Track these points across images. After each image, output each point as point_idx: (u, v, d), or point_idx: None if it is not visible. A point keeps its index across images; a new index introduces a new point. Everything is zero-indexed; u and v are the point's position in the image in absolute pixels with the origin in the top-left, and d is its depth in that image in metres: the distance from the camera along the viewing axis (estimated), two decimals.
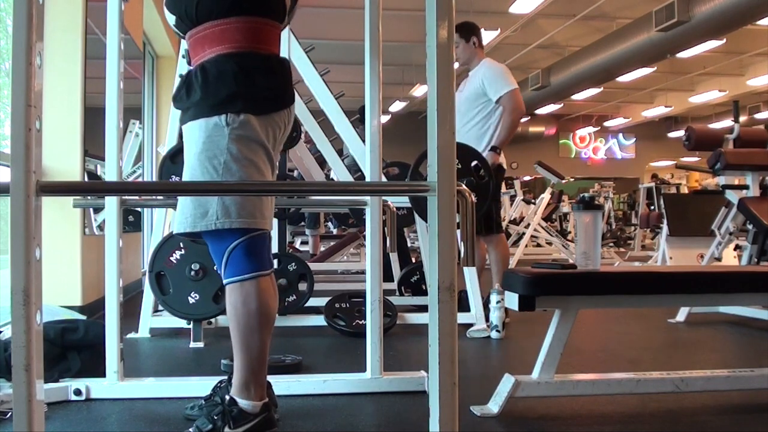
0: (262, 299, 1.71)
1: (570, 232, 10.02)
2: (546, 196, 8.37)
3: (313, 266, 4.37)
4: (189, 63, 1.79)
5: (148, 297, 3.22)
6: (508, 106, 3.69)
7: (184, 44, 1.83)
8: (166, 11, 1.79)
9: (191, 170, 1.71)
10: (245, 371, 1.72)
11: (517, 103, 3.71)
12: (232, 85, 1.67)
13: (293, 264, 3.53)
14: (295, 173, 5.00)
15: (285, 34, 3.25)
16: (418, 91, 14.33)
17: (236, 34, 1.69)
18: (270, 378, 1.94)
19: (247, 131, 1.69)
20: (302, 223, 6.75)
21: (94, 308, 3.56)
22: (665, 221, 5.55)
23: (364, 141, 2.42)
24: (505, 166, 3.85)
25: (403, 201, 3.38)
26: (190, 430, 1.72)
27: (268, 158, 1.75)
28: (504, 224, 8.78)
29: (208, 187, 1.65)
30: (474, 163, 3.33)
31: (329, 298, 3.49)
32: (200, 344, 3.05)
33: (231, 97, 1.67)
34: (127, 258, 3.57)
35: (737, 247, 4.38)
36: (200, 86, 1.68)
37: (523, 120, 18.24)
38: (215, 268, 1.80)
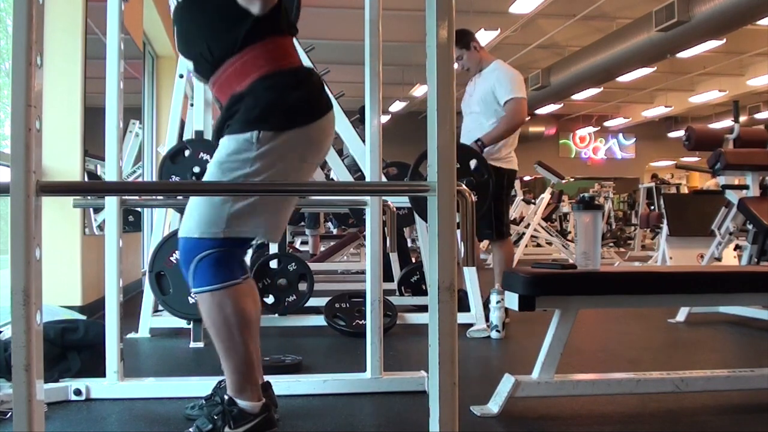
0: (236, 302, 1.67)
1: (570, 232, 10.02)
2: (546, 196, 8.37)
3: (313, 266, 4.37)
4: (220, 107, 1.77)
5: (148, 297, 3.22)
6: (510, 112, 3.67)
7: (182, 63, 1.84)
8: (181, 57, 1.79)
9: (212, 176, 1.69)
10: (234, 375, 1.72)
11: (520, 111, 3.68)
12: (263, 102, 1.66)
13: (293, 264, 3.53)
14: None
15: None
16: (418, 91, 14.33)
17: (258, 61, 1.68)
18: (270, 378, 1.95)
19: (277, 147, 1.66)
20: (302, 223, 6.75)
21: (94, 308, 3.55)
22: (665, 221, 5.55)
23: (364, 141, 2.42)
24: (517, 168, 3.84)
25: (403, 201, 3.38)
26: (190, 430, 1.72)
27: (298, 174, 1.73)
28: None
29: (209, 187, 1.65)
30: (473, 162, 3.33)
31: (329, 298, 3.49)
32: (200, 344, 3.05)
33: (264, 114, 1.65)
34: (127, 258, 3.57)
35: (737, 247, 4.38)
36: (235, 110, 1.67)
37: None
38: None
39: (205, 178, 1.73)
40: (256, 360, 1.77)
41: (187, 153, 3.05)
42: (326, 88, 1.86)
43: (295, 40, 1.84)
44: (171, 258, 2.98)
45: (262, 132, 1.65)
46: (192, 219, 1.69)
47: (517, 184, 10.10)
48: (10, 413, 1.89)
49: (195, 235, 1.67)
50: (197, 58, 1.74)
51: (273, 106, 1.66)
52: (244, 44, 1.67)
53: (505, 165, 3.74)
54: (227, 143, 1.68)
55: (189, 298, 2.96)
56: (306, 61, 3.22)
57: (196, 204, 1.70)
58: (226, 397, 1.74)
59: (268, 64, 1.68)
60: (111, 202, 2.20)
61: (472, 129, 3.79)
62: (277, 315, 3.50)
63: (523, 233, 8.33)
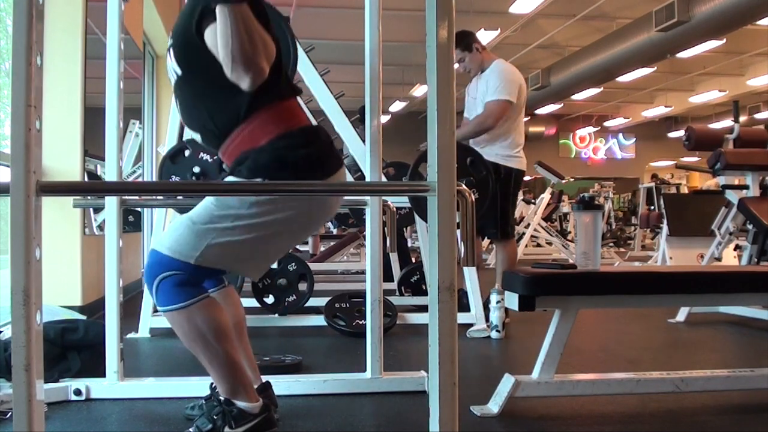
0: (205, 314, 1.64)
1: (570, 232, 10.02)
2: (546, 196, 8.37)
3: (313, 266, 4.37)
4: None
5: (148, 297, 3.22)
6: (487, 111, 3.63)
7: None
8: (189, 130, 1.78)
9: (201, 206, 1.67)
10: (223, 382, 1.71)
11: (492, 114, 3.60)
12: (273, 156, 1.64)
13: (293, 264, 3.53)
14: None
15: None
16: (418, 91, 14.33)
17: (267, 126, 1.66)
18: (270, 378, 1.95)
19: (279, 200, 1.65)
20: None
21: (94, 308, 3.55)
22: (665, 221, 5.55)
23: (364, 141, 2.42)
24: (524, 168, 3.80)
25: (403, 201, 3.38)
26: (190, 430, 1.72)
27: (296, 232, 1.72)
28: None
29: (209, 187, 1.65)
30: (470, 160, 3.32)
31: (329, 298, 3.49)
32: None
33: (273, 165, 1.64)
34: (127, 258, 3.57)
35: (737, 247, 4.38)
36: (244, 159, 1.66)
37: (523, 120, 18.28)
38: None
39: (200, 205, 1.69)
40: (244, 363, 1.78)
41: (187, 153, 3.05)
42: (335, 148, 1.83)
43: (300, 49, 1.82)
44: None
45: (267, 180, 1.63)
46: (170, 236, 1.66)
47: None
48: (10, 413, 1.89)
49: (166, 253, 1.64)
50: (202, 130, 1.72)
51: (282, 160, 1.65)
52: (249, 113, 1.65)
53: (513, 164, 3.70)
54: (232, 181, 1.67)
55: None
56: (306, 61, 3.23)
57: (179, 224, 1.67)
58: (222, 398, 1.74)
59: (278, 127, 1.66)
60: (111, 202, 2.20)
61: None
62: (277, 315, 3.50)
63: (523, 233, 8.33)
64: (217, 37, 1.51)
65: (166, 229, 1.72)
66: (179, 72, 1.70)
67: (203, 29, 1.58)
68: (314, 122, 1.83)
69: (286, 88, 1.74)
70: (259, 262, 1.79)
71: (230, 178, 1.69)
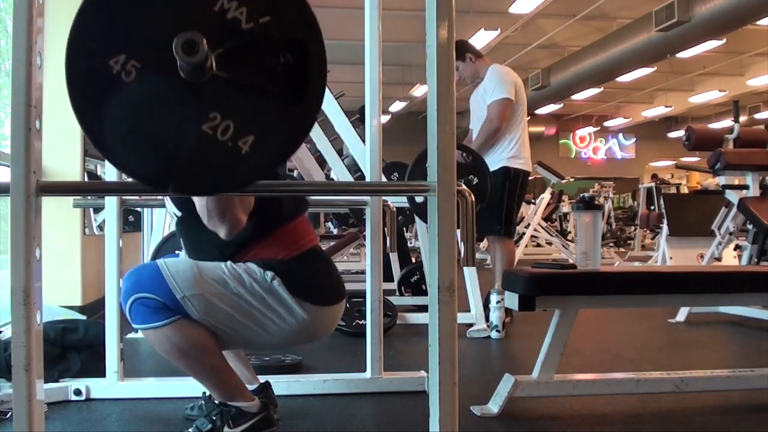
0: (183, 336, 1.61)
1: (570, 232, 10.01)
2: (546, 196, 8.36)
3: None
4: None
5: None
6: (490, 114, 3.64)
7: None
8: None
9: (213, 265, 1.67)
10: (215, 390, 1.72)
11: (499, 113, 3.62)
12: (285, 268, 1.67)
13: None
14: (295, 173, 5.00)
15: None
16: (418, 91, 14.32)
17: (272, 249, 1.70)
18: (270, 378, 1.95)
19: (284, 300, 1.66)
20: None
21: (94, 308, 3.55)
22: (665, 221, 5.55)
23: (364, 141, 2.42)
24: (530, 169, 3.81)
25: (404, 201, 3.38)
26: (190, 430, 1.72)
27: (280, 336, 1.71)
28: None
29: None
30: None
31: None
32: None
33: (286, 271, 1.67)
34: (127, 258, 3.56)
35: (737, 247, 4.37)
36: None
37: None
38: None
39: (212, 264, 1.69)
40: (239, 365, 1.80)
41: None
42: (335, 272, 1.86)
43: None
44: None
45: (277, 279, 1.65)
46: (176, 265, 1.65)
47: None
48: (10, 413, 1.89)
49: (165, 273, 1.62)
50: (215, 256, 1.72)
51: (294, 274, 1.68)
52: (255, 240, 1.68)
53: (518, 165, 3.70)
54: (248, 265, 1.68)
55: None
56: None
57: (191, 264, 1.66)
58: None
59: (282, 252, 1.70)
60: (111, 202, 2.20)
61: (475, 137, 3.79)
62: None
63: (523, 233, 8.32)
64: None
65: (175, 260, 1.72)
66: (179, 214, 1.74)
67: None
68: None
69: (291, 210, 1.77)
70: (231, 341, 1.74)
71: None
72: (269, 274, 1.66)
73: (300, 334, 1.73)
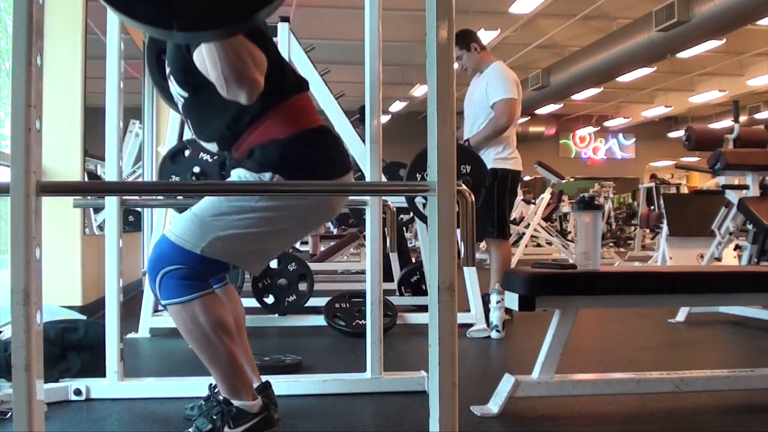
0: (209, 312, 1.64)
1: (570, 232, 10.01)
2: (546, 196, 8.37)
3: (313, 266, 4.36)
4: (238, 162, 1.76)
5: (148, 297, 3.22)
6: (498, 112, 3.67)
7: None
8: (203, 143, 1.78)
9: (207, 200, 1.68)
10: (224, 380, 1.71)
11: (507, 112, 3.66)
12: (284, 152, 1.66)
13: (293, 264, 3.53)
14: None
15: (285, 34, 3.25)
16: (418, 91, 14.33)
17: (280, 125, 1.67)
18: (270, 378, 1.95)
19: (285, 199, 1.67)
20: None
21: (94, 308, 3.55)
22: (665, 221, 5.55)
23: (364, 141, 2.42)
24: (520, 168, 3.82)
25: (404, 201, 3.38)
26: (190, 430, 1.72)
27: (298, 227, 1.73)
28: None
29: (209, 187, 1.65)
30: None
31: (329, 298, 3.49)
32: None
33: (283, 161, 1.66)
34: (127, 258, 3.57)
35: (737, 247, 4.37)
36: (252, 151, 1.67)
37: (522, 120, 18.24)
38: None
39: (206, 199, 1.70)
40: (244, 362, 1.78)
41: (187, 153, 3.05)
42: (344, 149, 1.85)
43: (294, 40, 1.83)
44: None
45: (277, 176, 1.65)
46: (178, 226, 1.67)
47: None
48: (10, 413, 1.89)
49: (174, 240, 1.64)
50: (219, 140, 1.73)
51: (293, 158, 1.67)
52: (262, 112, 1.66)
53: (509, 166, 3.73)
54: (240, 175, 1.68)
55: None
56: (306, 61, 3.23)
57: (186, 216, 1.68)
58: (221, 398, 1.74)
59: (291, 127, 1.68)
60: (111, 202, 2.20)
61: (469, 131, 3.80)
62: (277, 315, 3.50)
63: (523, 233, 8.32)
64: (205, 60, 1.50)
65: (174, 221, 1.72)
66: (185, 95, 1.72)
67: (191, 51, 1.58)
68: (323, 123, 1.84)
69: (294, 84, 1.75)
70: (262, 257, 1.79)
71: (238, 171, 1.70)
72: (266, 175, 1.65)
73: (320, 212, 1.77)
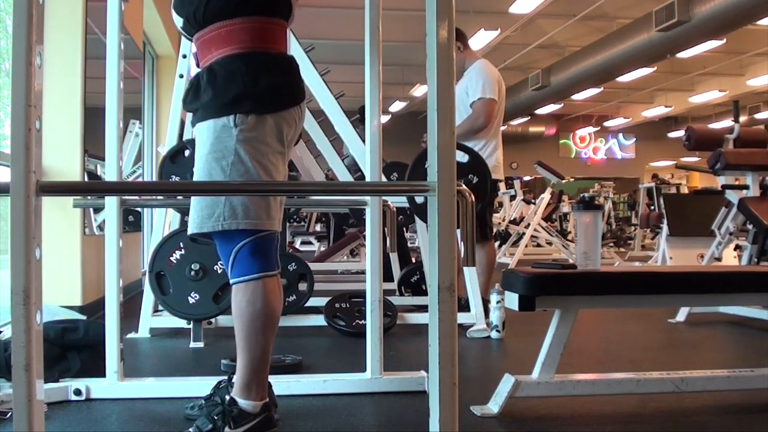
0: (267, 300, 1.70)
1: (570, 232, 10.01)
2: (546, 196, 8.37)
3: (313, 266, 4.36)
4: (198, 65, 1.78)
5: (148, 297, 3.22)
6: (474, 112, 3.67)
7: (185, 45, 1.83)
8: (173, 13, 1.78)
9: (200, 171, 1.71)
10: (248, 371, 1.72)
11: (483, 113, 3.65)
12: (239, 85, 1.67)
13: (293, 264, 3.53)
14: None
15: None
16: (418, 91, 14.32)
17: (243, 35, 1.69)
18: (270, 378, 1.94)
19: (256, 132, 1.68)
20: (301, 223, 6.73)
21: (94, 308, 3.55)
22: (665, 221, 5.55)
23: (364, 141, 2.42)
24: (500, 176, 3.82)
25: (404, 201, 3.38)
26: (190, 430, 1.72)
27: (279, 157, 1.74)
28: (504, 224, 8.81)
29: (209, 187, 1.65)
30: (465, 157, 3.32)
31: (329, 298, 3.49)
32: (200, 344, 3.05)
33: (239, 98, 1.67)
34: (127, 258, 3.57)
35: (737, 247, 4.37)
36: (209, 87, 1.68)
37: (522, 120, 18.18)
38: (215, 268, 1.79)
39: (197, 172, 1.72)
40: (269, 360, 1.79)
41: (187, 153, 3.05)
42: (302, 80, 1.86)
43: (294, 40, 1.83)
44: (171, 258, 2.97)
45: (239, 115, 1.66)
46: (193, 214, 1.70)
47: (517, 184, 10.11)
48: (10, 413, 1.89)
49: (197, 231, 1.70)
50: (188, 17, 1.74)
51: (248, 89, 1.67)
52: (236, 14, 1.68)
53: (489, 164, 3.71)
54: (206, 133, 1.69)
55: (188, 298, 2.96)
56: (306, 61, 3.23)
57: (193, 201, 1.72)
58: (227, 397, 1.74)
59: (252, 41, 1.69)
60: (111, 202, 2.19)
61: None
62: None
63: (523, 233, 8.33)
64: None
65: (192, 219, 1.74)
66: None
67: None
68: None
69: (280, 6, 1.76)
70: (269, 202, 1.77)
71: (199, 126, 1.71)
72: (224, 120, 1.66)
73: (288, 122, 1.75)
